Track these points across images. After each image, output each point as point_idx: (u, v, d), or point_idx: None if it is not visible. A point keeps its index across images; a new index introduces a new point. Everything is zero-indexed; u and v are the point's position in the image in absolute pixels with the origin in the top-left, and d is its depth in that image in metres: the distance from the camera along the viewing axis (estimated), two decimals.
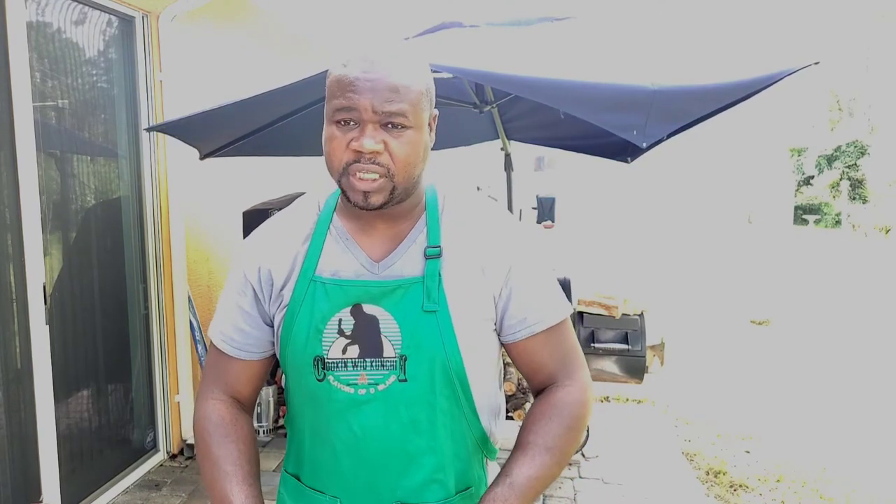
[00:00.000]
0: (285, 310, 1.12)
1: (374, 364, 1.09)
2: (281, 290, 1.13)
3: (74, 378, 3.07)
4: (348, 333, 1.09)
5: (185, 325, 3.70)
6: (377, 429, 1.10)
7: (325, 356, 1.09)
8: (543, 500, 3.34)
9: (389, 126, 1.00)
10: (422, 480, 1.12)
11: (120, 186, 3.39)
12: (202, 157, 3.40)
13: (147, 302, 3.55)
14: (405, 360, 1.09)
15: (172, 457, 3.70)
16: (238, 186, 4.34)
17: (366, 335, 1.09)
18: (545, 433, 1.12)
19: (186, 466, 3.61)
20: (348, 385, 1.09)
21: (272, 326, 1.17)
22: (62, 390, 2.93)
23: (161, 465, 3.62)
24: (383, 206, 1.04)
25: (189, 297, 3.73)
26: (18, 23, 2.61)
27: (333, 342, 1.09)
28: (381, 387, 1.09)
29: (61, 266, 2.99)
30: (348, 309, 1.09)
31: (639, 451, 3.98)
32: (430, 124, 1.08)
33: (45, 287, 2.74)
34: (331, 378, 1.10)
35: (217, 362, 1.20)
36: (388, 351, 1.09)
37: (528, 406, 4.27)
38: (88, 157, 3.19)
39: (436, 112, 1.09)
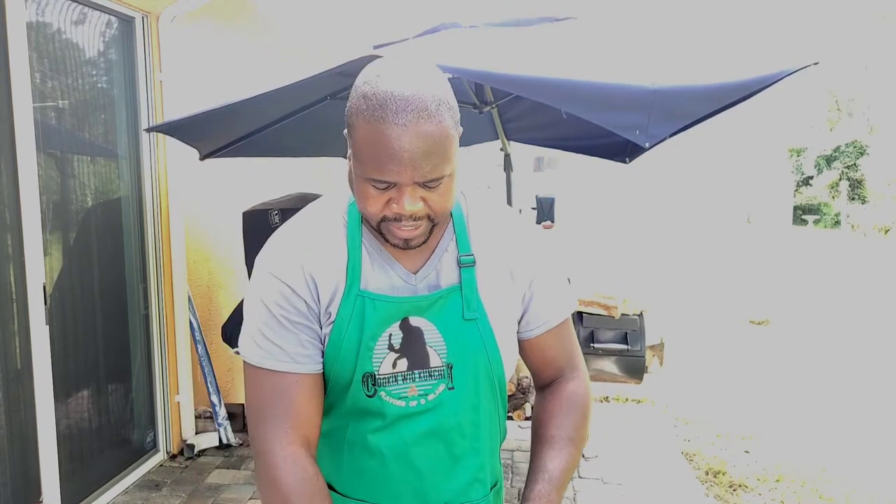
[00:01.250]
0: (331, 326, 1.08)
1: (422, 375, 1.10)
2: (328, 306, 1.08)
3: (74, 378, 3.07)
4: (398, 348, 1.09)
5: (185, 325, 3.70)
6: (427, 436, 1.12)
7: (377, 372, 1.09)
8: None
9: (429, 184, 0.97)
10: (466, 481, 1.15)
11: (120, 187, 3.39)
12: (202, 158, 3.40)
13: (147, 302, 3.55)
14: (451, 367, 1.11)
15: (172, 457, 3.70)
16: (238, 187, 4.34)
17: (413, 347, 1.10)
18: (567, 425, 1.17)
19: (186, 467, 3.61)
20: (399, 398, 1.10)
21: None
22: (62, 390, 2.93)
23: (161, 465, 3.62)
24: (424, 243, 1.05)
25: (189, 297, 3.73)
26: (18, 23, 2.61)
27: (384, 358, 1.09)
28: (430, 397, 1.11)
29: (61, 266, 2.99)
30: (398, 324, 1.09)
31: (638, 450, 3.99)
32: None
33: (45, 287, 2.74)
34: (382, 394, 1.10)
35: (280, 392, 1.07)
36: (435, 360, 1.10)
37: (527, 406, 4.27)
38: (88, 158, 3.19)
39: (461, 129, 1.03)
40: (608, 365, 3.87)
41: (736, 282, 9.92)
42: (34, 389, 2.73)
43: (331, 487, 1.16)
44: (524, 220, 1.21)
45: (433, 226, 1.03)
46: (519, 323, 1.18)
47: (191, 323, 3.73)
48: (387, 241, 1.04)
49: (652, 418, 4.56)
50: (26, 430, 2.74)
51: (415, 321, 1.09)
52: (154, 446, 3.64)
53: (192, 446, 3.71)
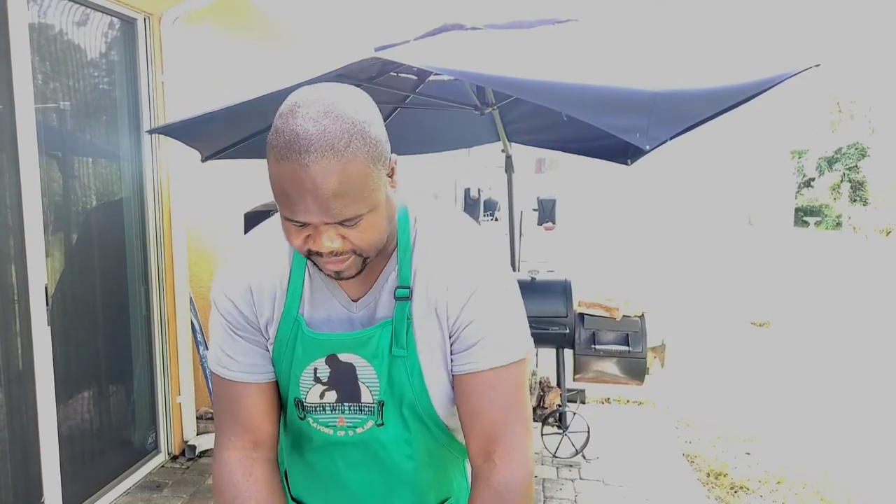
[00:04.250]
0: (272, 345, 1.10)
1: (352, 408, 1.09)
2: (267, 326, 1.09)
3: (76, 379, 3.07)
4: (325, 380, 1.09)
5: (187, 326, 3.70)
6: (357, 465, 1.13)
7: (304, 400, 1.10)
8: (545, 501, 3.34)
9: (345, 223, 0.92)
10: None
11: (122, 188, 3.39)
12: (204, 160, 3.40)
13: (148, 303, 3.55)
14: (383, 405, 1.08)
15: (174, 458, 3.70)
16: (239, 188, 4.34)
17: (343, 382, 1.08)
18: None
19: (188, 468, 3.61)
20: (327, 427, 1.11)
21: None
22: (64, 391, 2.93)
23: (162, 466, 3.62)
24: (358, 274, 1.00)
25: (190, 299, 3.74)
26: (21, 25, 2.61)
27: (310, 388, 1.09)
28: (359, 430, 1.10)
29: (63, 267, 2.99)
30: (323, 359, 1.07)
31: (639, 452, 3.98)
32: (389, 175, 0.96)
33: (46, 288, 2.74)
34: (310, 420, 1.11)
35: (229, 399, 1.11)
36: (367, 397, 1.08)
37: None
38: (90, 159, 3.20)
39: (395, 158, 0.98)
40: (609, 366, 3.87)
41: (737, 283, 9.91)
42: (36, 390, 2.74)
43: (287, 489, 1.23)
44: (475, 244, 1.08)
45: (364, 258, 0.97)
46: (452, 357, 1.08)
47: (192, 324, 3.74)
48: (320, 269, 1.00)
49: (653, 420, 4.56)
50: (28, 432, 2.75)
51: (345, 357, 1.07)
52: (155, 447, 3.65)
53: (193, 447, 3.72)
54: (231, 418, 1.11)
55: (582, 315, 3.88)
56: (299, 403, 1.10)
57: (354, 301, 1.07)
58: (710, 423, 4.56)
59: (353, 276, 0.99)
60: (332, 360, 1.07)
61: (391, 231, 1.03)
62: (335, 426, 1.10)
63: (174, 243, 3.63)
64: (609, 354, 3.86)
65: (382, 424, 1.09)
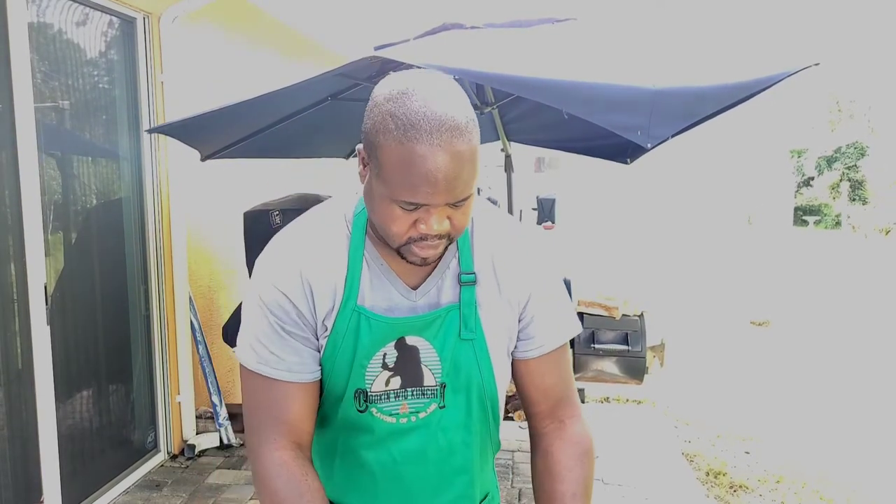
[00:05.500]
0: (327, 338, 1.07)
1: (415, 393, 1.09)
2: (324, 318, 1.07)
3: (75, 378, 3.07)
4: (392, 366, 1.08)
5: (187, 325, 3.70)
6: (416, 454, 1.12)
7: (369, 390, 1.09)
8: None
9: (458, 203, 0.96)
10: (453, 497, 1.15)
11: (121, 187, 3.39)
12: (203, 159, 3.40)
13: (148, 303, 3.55)
14: (444, 387, 1.10)
15: (173, 457, 3.70)
16: (239, 188, 4.34)
17: (408, 366, 1.09)
18: (579, 480, 1.13)
19: (187, 467, 3.61)
20: (390, 415, 1.10)
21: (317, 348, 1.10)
22: (63, 391, 2.93)
23: (162, 465, 3.62)
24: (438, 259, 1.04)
25: (190, 298, 3.74)
26: (20, 24, 2.61)
27: (377, 376, 1.08)
28: (422, 415, 1.10)
29: (62, 267, 2.99)
30: (393, 343, 1.08)
31: (639, 451, 3.98)
32: None
33: (46, 288, 2.74)
34: (373, 410, 1.09)
35: (272, 398, 1.06)
36: (429, 379, 1.09)
37: None
38: (90, 158, 3.20)
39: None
40: (609, 366, 3.87)
41: (737, 283, 9.92)
42: (35, 390, 2.74)
43: None
44: (531, 237, 1.16)
45: (449, 244, 1.01)
46: (517, 343, 1.15)
47: (192, 323, 3.73)
48: (403, 258, 1.01)
49: (652, 419, 4.56)
50: (27, 431, 2.75)
51: (411, 340, 1.08)
52: (155, 446, 3.65)
53: (192, 446, 3.72)
54: (273, 418, 1.06)
55: (581, 314, 3.88)
56: (361, 395, 1.08)
57: (413, 289, 1.08)
58: (710, 422, 4.56)
59: (433, 262, 1.02)
60: (400, 343, 1.08)
61: None
62: (398, 413, 1.10)
63: (174, 243, 3.63)
64: (608, 354, 3.86)
65: (444, 407, 1.10)
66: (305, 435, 1.09)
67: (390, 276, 1.08)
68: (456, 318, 1.08)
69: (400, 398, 1.09)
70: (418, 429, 1.11)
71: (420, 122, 0.89)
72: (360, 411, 1.09)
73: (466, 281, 1.08)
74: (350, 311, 1.05)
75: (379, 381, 1.08)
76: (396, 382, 1.09)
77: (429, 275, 1.09)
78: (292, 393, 1.06)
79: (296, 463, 1.05)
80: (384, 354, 1.07)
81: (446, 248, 1.01)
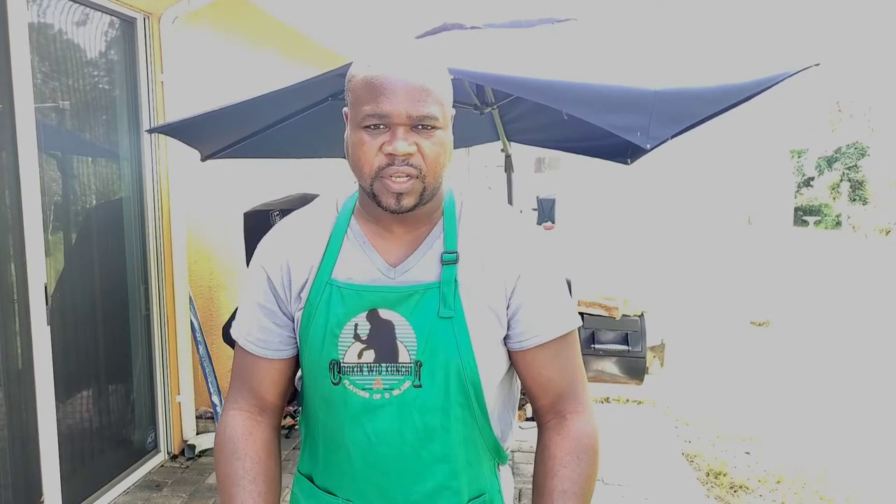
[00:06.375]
0: (301, 311, 1.12)
1: (389, 369, 1.09)
2: (300, 291, 1.12)
3: (76, 378, 3.07)
4: (364, 338, 1.09)
5: (187, 325, 3.70)
6: (391, 434, 1.10)
7: (341, 360, 1.09)
8: None
9: (420, 128, 1.00)
10: (434, 487, 1.12)
11: (121, 187, 3.39)
12: (203, 159, 3.40)
13: (148, 302, 3.55)
14: (420, 365, 1.09)
15: (173, 457, 3.70)
16: (239, 188, 4.34)
17: (382, 340, 1.09)
18: (577, 478, 1.12)
19: (187, 467, 3.61)
20: (363, 389, 1.10)
21: (293, 323, 1.16)
22: (63, 391, 2.93)
23: (162, 465, 3.62)
24: (413, 209, 1.04)
25: (190, 298, 3.74)
26: (20, 24, 2.61)
27: (349, 346, 1.09)
28: (395, 392, 1.09)
29: (62, 267, 2.99)
30: (364, 314, 1.09)
31: (639, 452, 3.99)
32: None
33: (46, 288, 2.74)
34: (346, 382, 1.10)
35: (242, 365, 1.19)
36: (404, 356, 1.09)
37: (528, 407, 4.27)
38: (90, 159, 3.20)
39: (453, 111, 1.09)
40: (609, 366, 3.87)
41: (737, 283, 9.92)
42: (35, 390, 2.74)
43: (309, 479, 1.21)
44: (523, 222, 1.16)
45: (423, 188, 1.03)
46: (510, 333, 1.13)
47: (192, 323, 3.74)
48: (379, 204, 1.04)
49: (653, 419, 4.56)
50: (27, 431, 2.75)
51: (385, 314, 1.09)
52: (155, 447, 3.65)
53: (192, 447, 3.72)
54: (241, 383, 1.18)
55: (581, 314, 3.88)
56: (335, 365, 1.09)
57: (393, 267, 1.10)
58: (710, 422, 4.56)
59: (411, 208, 1.03)
60: (372, 315, 1.09)
61: (441, 191, 1.10)
62: (371, 388, 1.09)
63: (174, 242, 3.63)
64: (608, 354, 3.86)
65: (420, 386, 1.09)
66: (269, 404, 1.19)
67: (371, 252, 1.11)
68: (435, 296, 1.08)
69: (374, 373, 1.09)
70: (391, 405, 1.09)
71: (384, 55, 1.02)
72: (335, 383, 1.10)
73: (448, 260, 1.09)
74: (323, 283, 1.10)
75: (351, 352, 1.09)
76: (370, 356, 1.09)
77: (411, 254, 1.11)
78: (261, 365, 1.17)
79: (242, 423, 1.16)
80: (356, 325, 1.09)
81: (422, 197, 1.03)
